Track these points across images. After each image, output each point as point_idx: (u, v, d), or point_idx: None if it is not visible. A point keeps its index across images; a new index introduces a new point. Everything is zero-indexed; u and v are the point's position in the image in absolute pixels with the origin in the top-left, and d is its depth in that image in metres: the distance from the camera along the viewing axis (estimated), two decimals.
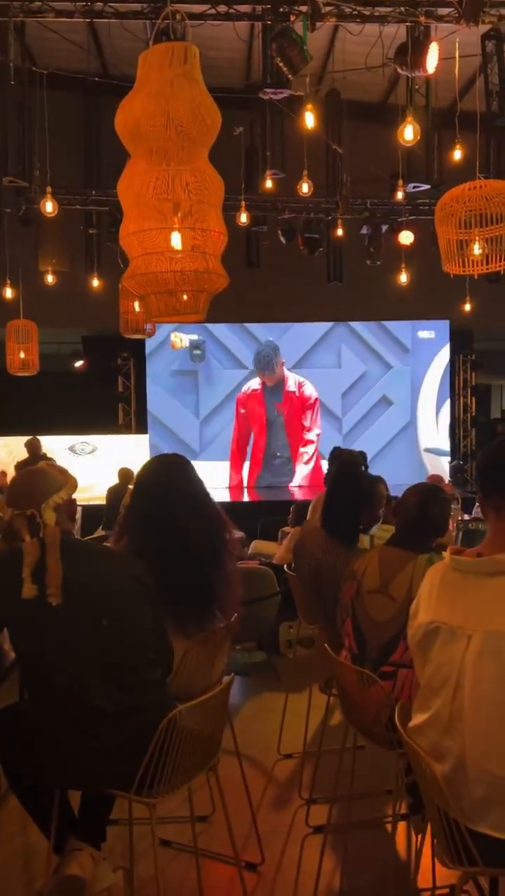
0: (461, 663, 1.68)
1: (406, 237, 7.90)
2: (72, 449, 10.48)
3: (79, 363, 11.34)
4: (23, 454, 8.45)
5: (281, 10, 4.75)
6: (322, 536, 3.07)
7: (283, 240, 8.95)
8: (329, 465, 4.75)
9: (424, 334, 11.37)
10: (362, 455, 3.96)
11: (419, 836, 2.25)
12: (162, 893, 2.18)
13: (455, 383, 11.70)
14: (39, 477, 2.14)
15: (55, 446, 9.72)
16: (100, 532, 6.39)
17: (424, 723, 1.76)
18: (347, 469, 3.15)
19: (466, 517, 6.17)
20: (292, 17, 4.73)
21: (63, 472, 2.19)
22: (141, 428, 11.19)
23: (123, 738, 1.98)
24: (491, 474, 1.83)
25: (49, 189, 6.68)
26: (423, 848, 2.13)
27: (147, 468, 2.70)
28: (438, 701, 1.72)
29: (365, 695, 2.30)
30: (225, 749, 2.45)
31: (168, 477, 2.58)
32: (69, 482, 2.14)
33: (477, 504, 2.03)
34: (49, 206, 6.58)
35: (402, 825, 2.80)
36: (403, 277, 8.36)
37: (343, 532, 3.01)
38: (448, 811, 1.65)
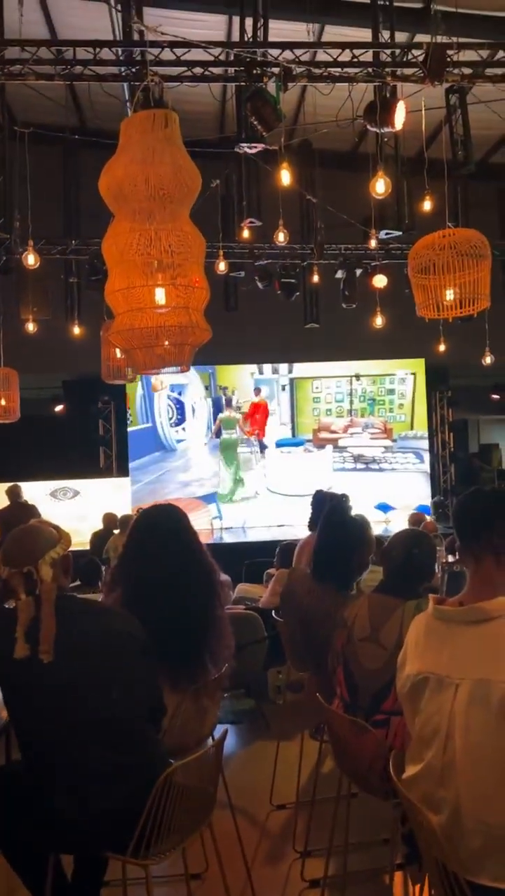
0: (451, 713, 1.70)
1: (380, 281, 8.13)
2: (53, 494, 10.43)
3: (59, 408, 11.36)
4: (3, 501, 8.40)
5: (254, 72, 4.96)
6: (311, 583, 3.09)
7: (260, 285, 9.14)
8: (312, 508, 4.78)
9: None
10: (345, 498, 4.00)
11: (417, 887, 2.24)
12: None
13: (433, 420, 11.89)
14: (35, 534, 2.14)
15: (36, 492, 9.66)
16: (77, 583, 6.27)
17: (417, 774, 1.77)
18: (336, 516, 3.17)
19: (451, 559, 6.21)
20: (265, 79, 4.94)
21: (56, 528, 2.21)
22: (122, 471, 11.18)
23: (118, 799, 1.96)
24: (465, 524, 1.89)
25: (31, 243, 6.79)
26: None
27: (141, 520, 2.72)
28: (430, 752, 1.74)
29: (359, 744, 2.30)
30: (217, 801, 2.43)
31: (162, 529, 2.60)
32: (63, 538, 2.16)
33: (457, 552, 2.08)
34: (31, 259, 6.69)
35: (399, 875, 2.77)
36: (379, 320, 8.55)
37: (334, 579, 3.03)
38: (446, 862, 1.66)
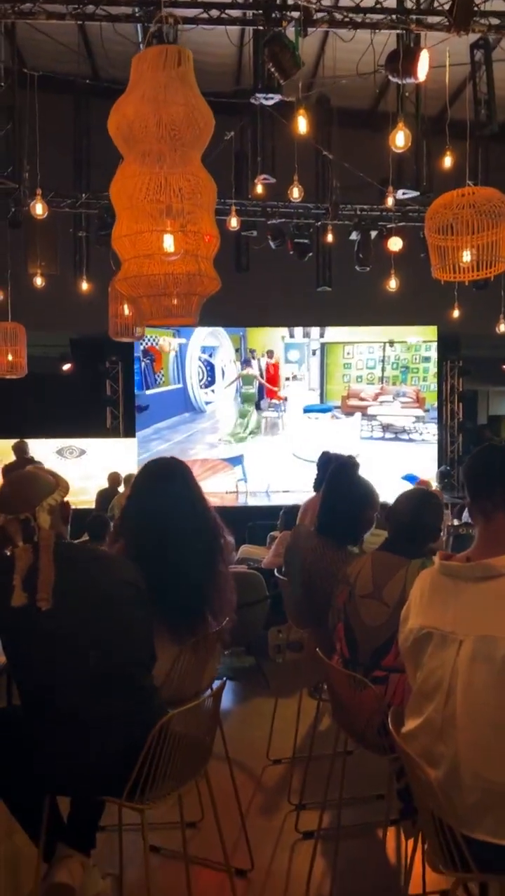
0: (453, 668, 1.68)
1: (395, 244, 7.94)
2: (59, 452, 10.43)
3: (66, 366, 11.29)
4: (10, 457, 8.40)
5: (273, 15, 4.76)
6: (315, 539, 3.06)
7: (272, 244, 8.97)
8: (318, 469, 4.74)
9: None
10: (351, 458, 3.96)
11: (410, 841, 2.24)
12: None
13: (443, 389, 11.76)
14: (32, 480, 2.11)
15: (43, 450, 9.66)
16: (86, 538, 6.39)
17: (416, 728, 1.75)
18: (343, 474, 3.14)
19: (456, 522, 6.18)
20: (284, 24, 4.74)
21: (54, 474, 2.17)
22: (129, 431, 11.15)
23: (115, 744, 1.96)
24: (478, 479, 1.84)
25: (39, 191, 6.65)
26: (414, 853, 2.13)
27: (143, 472, 2.69)
28: (430, 706, 1.72)
29: (357, 700, 2.29)
30: (215, 754, 2.43)
31: (164, 481, 2.57)
32: (61, 484, 2.12)
33: (467, 509, 2.04)
34: (39, 209, 6.55)
35: (392, 830, 2.79)
36: (393, 283, 8.40)
37: (340, 535, 3.00)
38: (442, 817, 1.65)
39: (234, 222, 7.62)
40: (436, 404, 11.39)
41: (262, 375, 11.37)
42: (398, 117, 5.34)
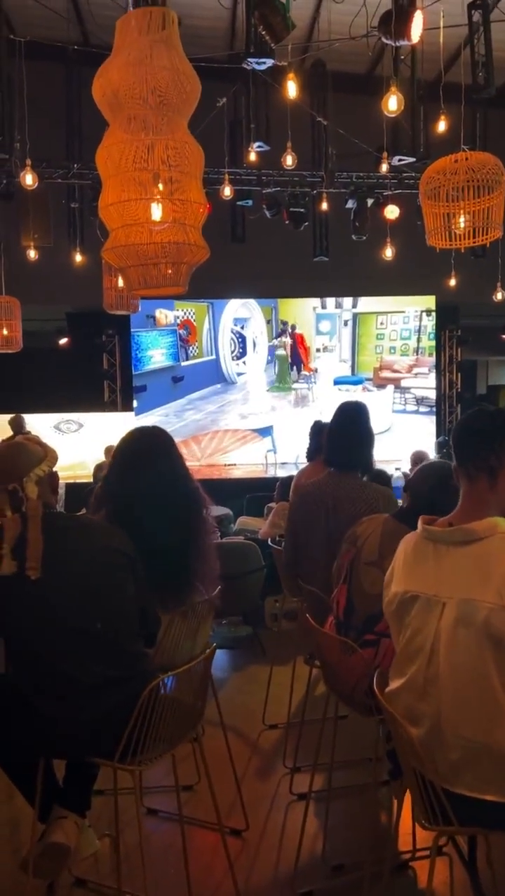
0: (436, 631, 1.71)
1: (392, 211, 7.85)
2: (57, 427, 10.43)
3: (63, 340, 11.23)
4: (6, 432, 8.40)
5: None
6: (333, 477, 3.08)
7: (267, 214, 8.86)
8: (310, 439, 4.75)
9: None
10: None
11: (399, 801, 2.29)
12: (147, 859, 2.21)
13: (441, 359, 11.69)
14: (19, 451, 2.12)
15: (40, 424, 9.66)
16: (84, 511, 6.42)
17: (399, 688, 1.78)
18: (353, 407, 3.17)
19: None
20: None
21: (42, 444, 2.18)
22: (127, 405, 11.14)
23: (107, 708, 1.99)
24: (462, 443, 1.84)
25: (29, 161, 6.55)
26: (402, 812, 2.18)
27: (126, 440, 2.68)
28: (413, 667, 1.75)
29: (346, 663, 2.32)
30: (211, 720, 2.48)
31: (146, 450, 2.57)
32: (49, 454, 2.14)
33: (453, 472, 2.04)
34: (29, 179, 6.46)
35: (382, 791, 2.86)
36: (389, 252, 8.31)
37: (354, 465, 3.05)
38: (424, 773, 1.68)
39: (227, 191, 7.51)
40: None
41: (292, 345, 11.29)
42: (392, 81, 5.22)
